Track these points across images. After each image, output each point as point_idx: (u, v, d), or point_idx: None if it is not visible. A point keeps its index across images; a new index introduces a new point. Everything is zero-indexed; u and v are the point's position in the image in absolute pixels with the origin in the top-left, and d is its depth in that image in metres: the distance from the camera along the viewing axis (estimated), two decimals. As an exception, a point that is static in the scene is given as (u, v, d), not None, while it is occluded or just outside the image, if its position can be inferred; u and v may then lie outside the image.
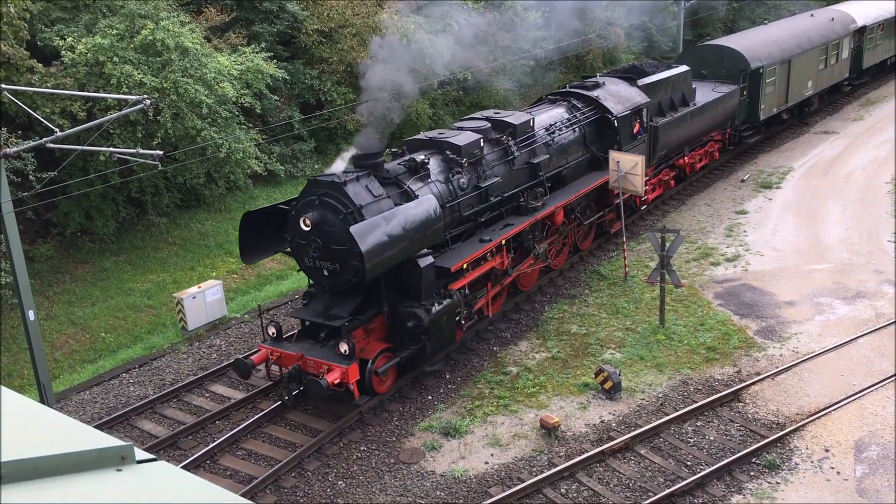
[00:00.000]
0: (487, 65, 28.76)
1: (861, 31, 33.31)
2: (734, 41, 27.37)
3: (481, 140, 15.98)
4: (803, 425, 13.09)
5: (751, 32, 30.18)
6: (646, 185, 20.13)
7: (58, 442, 2.16)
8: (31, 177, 17.16)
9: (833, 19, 31.68)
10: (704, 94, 24.01)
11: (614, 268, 19.57)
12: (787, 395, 14.09)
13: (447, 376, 15.33)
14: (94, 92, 18.20)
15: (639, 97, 20.56)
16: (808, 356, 15.15)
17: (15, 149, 14.26)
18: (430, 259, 14.13)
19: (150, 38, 19.37)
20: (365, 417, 14.00)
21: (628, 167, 18.66)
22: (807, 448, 12.59)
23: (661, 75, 22.17)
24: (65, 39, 19.24)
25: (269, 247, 14.99)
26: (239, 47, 22.85)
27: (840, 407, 13.54)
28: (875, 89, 35.78)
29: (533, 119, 17.65)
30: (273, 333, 14.29)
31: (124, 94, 17.21)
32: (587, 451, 12.73)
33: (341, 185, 13.30)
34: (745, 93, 26.01)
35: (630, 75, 21.70)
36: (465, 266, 14.87)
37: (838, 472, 11.99)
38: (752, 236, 21.10)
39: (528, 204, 16.93)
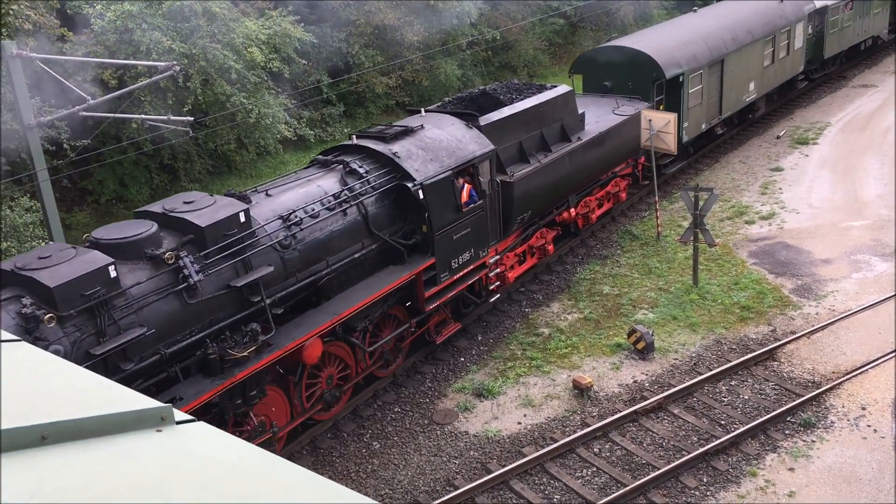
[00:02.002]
0: (515, 24, 28.37)
1: (821, 13, 27.37)
2: (643, 41, 21.07)
3: (112, 267, 9.49)
4: (839, 383, 12.97)
5: (669, 26, 23.98)
6: (500, 266, 15.38)
7: (99, 404, 2.21)
8: (65, 145, 17.36)
9: (782, 0, 25.45)
10: (601, 118, 18.30)
11: (646, 227, 19.40)
12: (823, 353, 13.95)
13: (479, 338, 15.40)
14: (124, 59, 18.29)
15: (474, 145, 14.30)
16: (844, 314, 14.96)
17: (49, 118, 14.42)
18: None
19: (178, 3, 19.38)
20: (399, 380, 14.13)
21: (660, 125, 18.40)
22: (843, 406, 12.49)
23: (518, 106, 15.90)
24: (94, 7, 19.30)
25: None
26: (266, 11, 22.78)
27: (877, 365, 13.39)
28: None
29: (248, 210, 11.07)
30: None
31: (154, 61, 17.26)
32: (620, 411, 12.74)
33: None
34: (660, 109, 20.20)
35: (470, 112, 15.39)
36: None
37: (875, 430, 11.89)
38: (788, 193, 20.75)
39: (227, 354, 10.38)
